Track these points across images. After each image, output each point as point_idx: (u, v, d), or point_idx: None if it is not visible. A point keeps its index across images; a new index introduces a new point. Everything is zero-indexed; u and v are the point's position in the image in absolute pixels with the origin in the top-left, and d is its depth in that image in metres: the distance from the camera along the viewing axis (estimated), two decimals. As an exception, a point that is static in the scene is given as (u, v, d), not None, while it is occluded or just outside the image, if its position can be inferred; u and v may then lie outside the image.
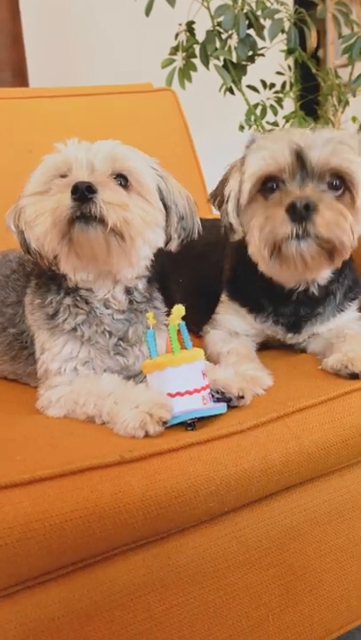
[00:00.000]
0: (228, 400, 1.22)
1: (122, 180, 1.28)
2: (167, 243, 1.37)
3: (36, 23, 4.18)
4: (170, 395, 1.17)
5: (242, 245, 1.45)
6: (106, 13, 4.32)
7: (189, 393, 1.17)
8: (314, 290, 1.48)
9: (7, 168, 1.38)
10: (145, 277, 1.39)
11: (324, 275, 1.47)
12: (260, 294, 1.52)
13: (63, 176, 1.26)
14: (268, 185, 1.37)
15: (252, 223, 1.37)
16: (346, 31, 2.73)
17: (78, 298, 1.33)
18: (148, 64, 2.85)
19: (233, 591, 1.18)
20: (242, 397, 1.23)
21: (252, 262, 1.42)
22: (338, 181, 1.33)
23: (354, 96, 2.74)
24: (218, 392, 1.23)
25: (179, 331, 1.21)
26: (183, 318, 1.78)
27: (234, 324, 1.58)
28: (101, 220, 1.20)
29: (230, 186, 1.44)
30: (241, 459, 1.13)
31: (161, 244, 1.36)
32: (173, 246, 1.38)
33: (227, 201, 1.44)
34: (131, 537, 1.06)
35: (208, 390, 1.20)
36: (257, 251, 1.37)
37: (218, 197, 1.50)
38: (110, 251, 1.25)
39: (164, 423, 1.13)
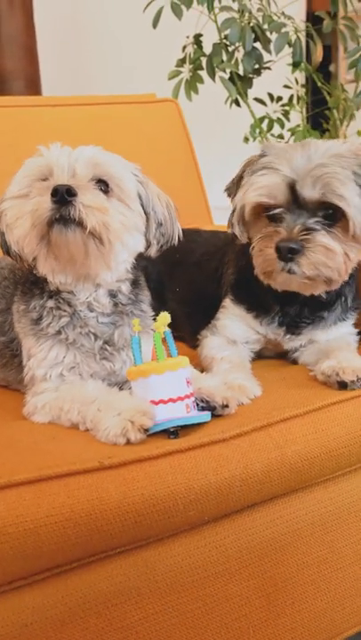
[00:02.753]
0: (212, 409, 1.22)
1: (102, 185, 1.28)
2: (147, 248, 1.37)
3: (49, 35, 4.23)
4: (153, 402, 1.16)
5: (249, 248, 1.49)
6: (117, 26, 4.36)
7: (173, 401, 1.17)
8: (322, 294, 1.48)
9: (7, 178, 1.39)
10: (128, 280, 1.40)
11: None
12: (268, 294, 1.51)
13: (44, 180, 1.27)
14: (267, 211, 1.40)
15: (253, 241, 1.42)
16: (352, 46, 2.74)
17: (61, 300, 1.33)
18: (159, 75, 2.87)
19: (212, 602, 1.17)
20: (226, 406, 1.22)
21: None
22: (332, 212, 1.35)
23: (357, 109, 2.74)
24: (202, 400, 1.22)
25: (164, 338, 1.21)
26: (176, 327, 1.79)
27: (234, 331, 1.58)
28: (80, 223, 1.21)
29: (236, 199, 1.46)
30: (222, 467, 1.12)
31: (141, 248, 1.36)
32: (153, 252, 1.38)
33: (231, 213, 1.48)
34: (107, 544, 1.05)
35: (192, 398, 1.19)
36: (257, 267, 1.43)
37: (232, 193, 1.52)
38: (88, 254, 1.25)
39: (146, 431, 1.12)
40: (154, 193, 1.37)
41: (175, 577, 1.13)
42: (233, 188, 1.51)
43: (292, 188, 1.34)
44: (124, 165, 1.34)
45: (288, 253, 1.32)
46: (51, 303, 1.34)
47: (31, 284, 1.38)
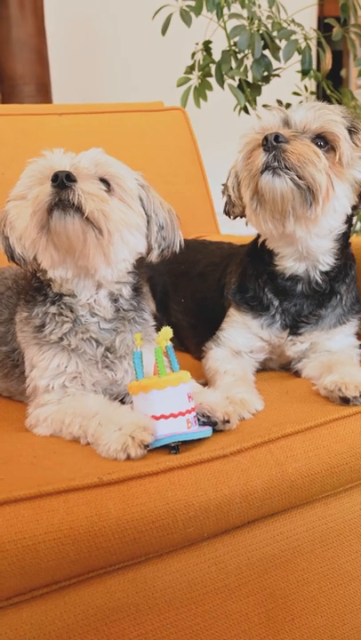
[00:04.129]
0: (213, 424, 1.22)
1: (104, 184, 1.29)
2: (148, 253, 1.39)
3: (60, 39, 4.24)
4: (154, 417, 1.16)
5: (251, 247, 1.58)
6: (128, 31, 4.37)
7: (174, 416, 1.17)
8: (317, 277, 1.50)
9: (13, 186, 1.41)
10: (129, 284, 1.40)
11: (324, 245, 1.49)
12: (266, 289, 1.54)
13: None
14: None
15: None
16: (361, 54, 2.73)
17: (63, 306, 1.34)
18: (168, 79, 2.88)
19: (211, 618, 1.17)
20: (227, 422, 1.22)
21: (259, 261, 1.54)
22: (322, 142, 1.39)
23: (365, 118, 2.73)
24: (203, 415, 1.22)
25: (166, 352, 1.21)
26: (181, 338, 1.79)
27: (237, 341, 1.58)
28: (79, 209, 1.22)
29: (233, 165, 1.51)
30: (222, 484, 1.12)
31: (142, 249, 1.37)
32: (154, 256, 1.39)
33: (227, 178, 1.52)
34: (106, 560, 1.05)
35: (193, 413, 1.19)
36: (247, 204, 1.44)
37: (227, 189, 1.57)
38: (87, 242, 1.25)
39: (146, 446, 1.12)
40: (155, 197, 1.39)
41: (174, 593, 1.13)
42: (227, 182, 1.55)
43: (286, 122, 1.40)
44: (126, 168, 1.36)
45: (275, 140, 1.33)
46: (53, 309, 1.34)
47: (34, 290, 1.38)
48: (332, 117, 1.39)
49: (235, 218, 1.57)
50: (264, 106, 2.89)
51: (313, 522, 1.27)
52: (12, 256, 1.34)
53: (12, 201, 1.33)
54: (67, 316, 1.34)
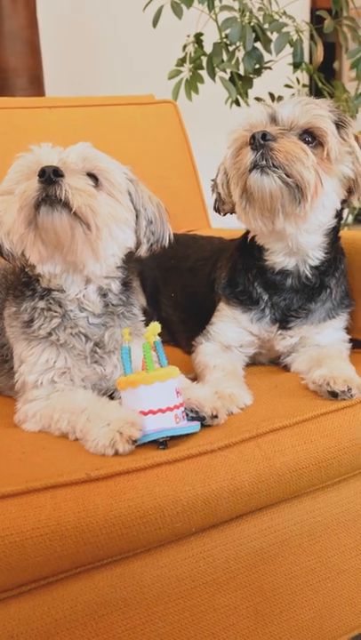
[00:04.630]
0: (201, 419, 1.22)
1: (92, 179, 1.29)
2: (137, 248, 1.38)
3: (52, 31, 4.22)
4: (143, 412, 1.16)
5: (241, 242, 1.58)
6: (120, 22, 4.36)
7: (162, 411, 1.17)
8: (307, 272, 1.50)
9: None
10: (118, 279, 1.40)
11: (314, 241, 1.49)
12: (256, 283, 1.54)
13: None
14: None
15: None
16: (353, 46, 2.72)
17: (52, 301, 1.34)
18: (161, 71, 2.87)
19: (199, 612, 1.17)
20: (215, 417, 1.22)
21: (249, 255, 1.55)
22: (310, 137, 1.39)
23: (356, 112, 2.73)
24: (192, 411, 1.22)
25: (154, 347, 1.21)
26: (172, 332, 1.79)
27: (227, 335, 1.59)
28: (66, 204, 1.22)
29: (222, 162, 1.51)
30: (209, 479, 1.12)
31: (131, 244, 1.37)
32: (143, 251, 1.39)
33: (216, 175, 1.53)
34: (94, 556, 1.06)
35: (182, 409, 1.20)
36: (237, 202, 1.43)
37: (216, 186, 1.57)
38: (75, 237, 1.25)
39: (135, 442, 1.12)
40: (144, 192, 1.39)
41: (162, 587, 1.14)
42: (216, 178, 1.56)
43: (273, 118, 1.40)
44: (114, 162, 1.36)
45: (262, 139, 1.33)
46: (42, 304, 1.34)
47: (23, 285, 1.38)
48: (319, 112, 1.39)
49: (224, 214, 1.57)
50: (256, 99, 2.90)
51: (301, 515, 1.27)
52: (0, 251, 1.34)
53: None
54: (55, 311, 1.33)
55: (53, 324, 1.33)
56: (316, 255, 1.50)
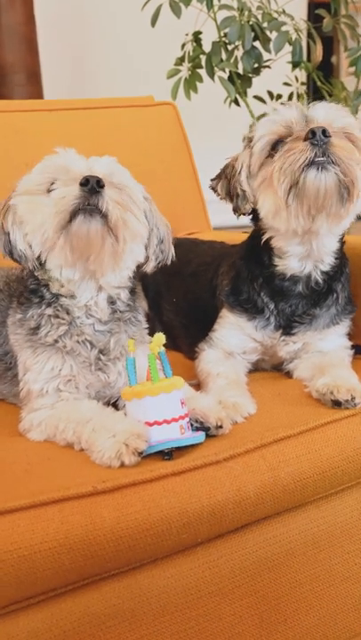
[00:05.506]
0: (206, 429, 1.23)
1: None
2: (144, 264, 1.39)
3: (50, 27, 4.21)
4: (148, 423, 1.17)
5: (245, 249, 1.59)
6: (118, 18, 4.34)
7: (167, 422, 1.17)
8: (318, 277, 1.50)
9: (3, 183, 1.39)
10: (128, 288, 1.41)
11: (332, 245, 1.50)
12: (262, 293, 1.54)
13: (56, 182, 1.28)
14: (277, 148, 1.41)
15: (271, 170, 1.40)
16: (352, 44, 2.72)
17: (59, 308, 1.34)
18: (160, 69, 2.86)
19: (205, 621, 1.18)
20: (220, 427, 1.23)
21: (254, 263, 1.54)
22: None
23: (356, 112, 2.73)
24: (197, 421, 1.23)
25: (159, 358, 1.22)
26: (174, 337, 1.79)
27: (230, 342, 1.59)
28: (104, 216, 1.23)
29: (241, 159, 1.49)
30: (215, 491, 1.13)
31: (142, 259, 1.38)
32: (150, 267, 1.40)
33: (239, 172, 1.49)
34: (101, 568, 1.07)
35: (187, 419, 1.20)
36: (273, 201, 1.41)
37: (220, 180, 1.55)
38: (104, 248, 1.27)
39: (140, 454, 1.13)
40: (157, 210, 1.40)
41: (169, 598, 1.15)
42: (220, 174, 1.56)
43: (305, 119, 1.40)
44: (134, 180, 1.37)
45: (323, 134, 1.32)
46: (49, 311, 1.34)
47: (30, 292, 1.38)
48: (351, 119, 1.41)
49: (240, 215, 1.54)
50: (255, 97, 2.89)
51: (305, 524, 1.28)
52: (10, 252, 1.33)
53: (19, 196, 1.32)
54: (63, 318, 1.34)
55: (60, 331, 1.33)
56: (328, 260, 1.50)
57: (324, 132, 1.32)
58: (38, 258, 1.31)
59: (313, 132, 1.32)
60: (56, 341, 1.34)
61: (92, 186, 1.22)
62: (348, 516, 1.34)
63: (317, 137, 1.32)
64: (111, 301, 1.37)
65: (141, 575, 1.12)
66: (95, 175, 1.23)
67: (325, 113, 1.41)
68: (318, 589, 1.30)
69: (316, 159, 1.33)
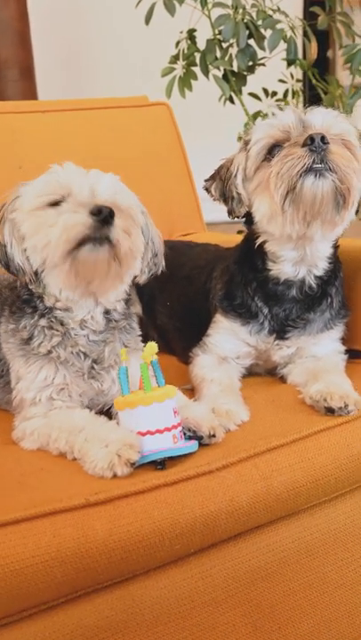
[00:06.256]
0: (199, 438, 1.22)
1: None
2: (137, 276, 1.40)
3: (43, 22, 4.19)
4: (141, 433, 1.17)
5: (239, 253, 1.59)
6: (112, 13, 4.31)
7: (160, 432, 1.17)
8: (311, 282, 1.50)
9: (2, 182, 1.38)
10: (123, 299, 1.41)
11: (326, 250, 1.50)
12: (256, 297, 1.54)
13: (56, 202, 1.27)
14: (273, 152, 1.41)
15: (267, 174, 1.40)
16: (347, 42, 2.71)
17: (53, 319, 1.34)
18: (154, 65, 2.84)
19: (199, 631, 1.18)
20: (213, 436, 1.23)
21: (248, 267, 1.54)
22: None
23: (351, 111, 2.71)
24: (190, 430, 1.23)
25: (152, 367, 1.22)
26: (167, 341, 1.79)
27: (224, 346, 1.58)
28: (112, 244, 1.23)
29: (236, 161, 1.49)
30: (208, 501, 1.13)
31: (138, 272, 1.38)
32: (142, 280, 1.40)
33: (235, 175, 1.49)
34: (94, 580, 1.07)
35: (180, 428, 1.20)
36: (268, 205, 1.41)
37: (214, 181, 1.55)
38: (109, 274, 1.27)
39: (133, 464, 1.13)
40: (152, 224, 1.40)
41: (162, 608, 1.15)
42: (215, 175, 1.55)
43: (302, 124, 1.39)
44: (133, 196, 1.37)
45: (321, 141, 1.32)
46: (43, 322, 1.34)
47: (22, 302, 1.37)
48: (348, 126, 1.41)
49: (235, 218, 1.54)
50: (250, 94, 2.88)
51: (298, 532, 1.28)
52: (6, 264, 1.32)
53: (21, 213, 1.30)
54: (57, 330, 1.33)
55: (54, 342, 1.33)
56: (322, 265, 1.50)
57: (322, 138, 1.32)
58: (35, 272, 1.31)
59: (312, 139, 1.32)
60: (49, 352, 1.33)
61: (105, 217, 1.21)
62: (341, 524, 1.34)
63: (316, 143, 1.32)
64: (107, 312, 1.37)
65: (134, 586, 1.12)
66: (107, 205, 1.22)
67: (323, 119, 1.40)
68: (312, 597, 1.30)
69: (314, 166, 1.32)
